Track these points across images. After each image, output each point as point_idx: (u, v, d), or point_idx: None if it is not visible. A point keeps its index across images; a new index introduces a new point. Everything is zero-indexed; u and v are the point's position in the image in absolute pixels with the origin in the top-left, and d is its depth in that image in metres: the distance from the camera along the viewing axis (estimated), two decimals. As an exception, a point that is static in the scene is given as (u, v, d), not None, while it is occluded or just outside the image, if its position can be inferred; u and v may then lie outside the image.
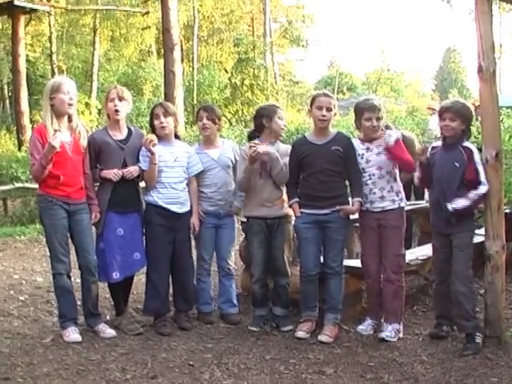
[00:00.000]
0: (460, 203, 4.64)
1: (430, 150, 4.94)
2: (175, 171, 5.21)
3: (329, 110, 4.97)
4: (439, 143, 4.96)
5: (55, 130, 4.75)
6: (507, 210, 6.08)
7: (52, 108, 4.89)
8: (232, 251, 5.62)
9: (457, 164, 4.68)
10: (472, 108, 4.89)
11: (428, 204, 6.56)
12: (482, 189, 4.62)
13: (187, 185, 5.30)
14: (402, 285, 5.03)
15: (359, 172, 5.03)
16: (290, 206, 5.14)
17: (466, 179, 4.66)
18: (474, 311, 4.75)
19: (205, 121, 5.41)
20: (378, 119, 4.95)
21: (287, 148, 5.22)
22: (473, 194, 4.63)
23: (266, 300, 5.29)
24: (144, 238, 5.25)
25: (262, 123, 5.17)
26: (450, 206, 4.66)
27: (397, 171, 5.08)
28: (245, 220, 5.44)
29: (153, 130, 5.25)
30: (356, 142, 5.12)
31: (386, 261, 5.00)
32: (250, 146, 4.93)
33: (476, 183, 4.64)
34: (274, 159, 5.02)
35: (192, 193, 5.33)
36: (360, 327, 5.14)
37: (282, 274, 5.25)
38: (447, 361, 4.45)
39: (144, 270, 5.38)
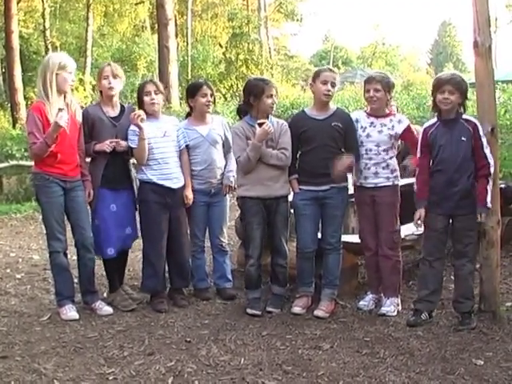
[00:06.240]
0: (488, 201, 4.53)
1: (421, 131, 4.82)
2: (166, 146, 5.18)
3: (333, 85, 4.95)
4: (433, 121, 4.77)
5: (59, 109, 4.70)
6: (502, 185, 6.09)
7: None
8: (224, 228, 5.61)
9: (464, 138, 4.53)
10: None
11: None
12: (491, 170, 4.54)
13: (179, 158, 5.29)
14: (398, 259, 5.06)
15: (358, 149, 4.99)
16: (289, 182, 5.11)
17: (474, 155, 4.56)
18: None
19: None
20: (377, 90, 4.92)
21: (281, 126, 5.07)
22: (490, 182, 4.54)
23: (260, 281, 5.19)
24: (138, 216, 5.25)
25: (249, 101, 5.05)
26: (483, 215, 4.56)
27: (394, 151, 5.06)
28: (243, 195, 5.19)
29: (140, 105, 5.22)
30: (362, 115, 5.11)
31: (381, 237, 5.02)
32: (260, 124, 4.83)
33: (480, 158, 4.54)
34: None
35: (184, 165, 5.31)
36: (361, 303, 5.15)
37: (281, 255, 5.14)
38: (442, 335, 4.48)
39: (139, 246, 5.39)
